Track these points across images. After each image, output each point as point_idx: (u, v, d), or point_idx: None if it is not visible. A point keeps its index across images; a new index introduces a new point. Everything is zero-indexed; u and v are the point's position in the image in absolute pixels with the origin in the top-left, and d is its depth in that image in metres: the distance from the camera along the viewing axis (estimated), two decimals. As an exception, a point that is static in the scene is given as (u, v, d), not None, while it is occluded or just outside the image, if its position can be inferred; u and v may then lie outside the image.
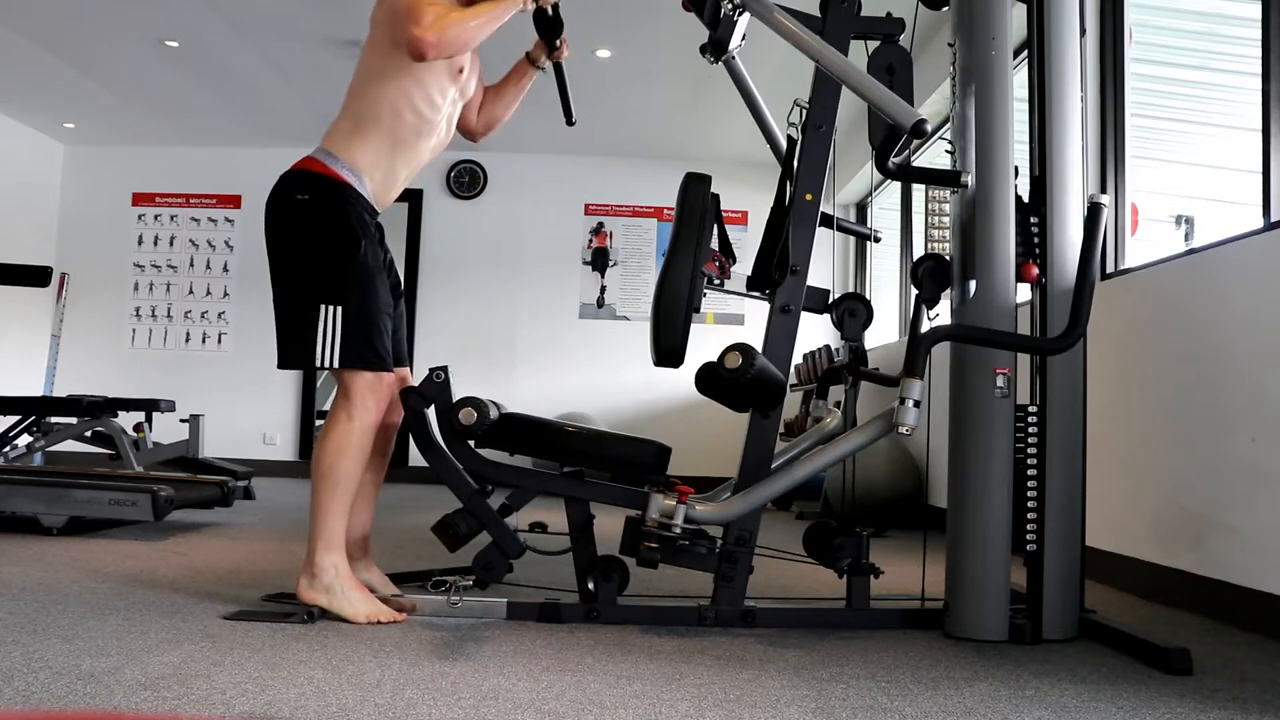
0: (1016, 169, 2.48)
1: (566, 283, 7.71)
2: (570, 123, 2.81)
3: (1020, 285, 2.45)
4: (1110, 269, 3.50)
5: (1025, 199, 2.49)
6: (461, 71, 2.58)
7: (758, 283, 2.63)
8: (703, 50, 2.62)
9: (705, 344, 3.01)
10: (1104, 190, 3.51)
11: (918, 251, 6.00)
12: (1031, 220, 2.46)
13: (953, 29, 2.57)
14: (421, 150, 2.59)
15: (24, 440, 5.29)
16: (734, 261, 2.67)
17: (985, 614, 2.37)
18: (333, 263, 2.42)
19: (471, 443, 2.51)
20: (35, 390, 7.45)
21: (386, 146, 2.51)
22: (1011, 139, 2.46)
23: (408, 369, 2.68)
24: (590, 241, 7.73)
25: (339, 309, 2.39)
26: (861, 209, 7.55)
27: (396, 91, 2.47)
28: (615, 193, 7.74)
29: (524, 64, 2.77)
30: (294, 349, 2.46)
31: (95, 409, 5.18)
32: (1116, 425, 3.20)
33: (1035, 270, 2.44)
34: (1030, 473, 2.41)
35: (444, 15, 2.37)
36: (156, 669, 1.84)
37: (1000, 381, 2.40)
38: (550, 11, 2.59)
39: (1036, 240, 2.45)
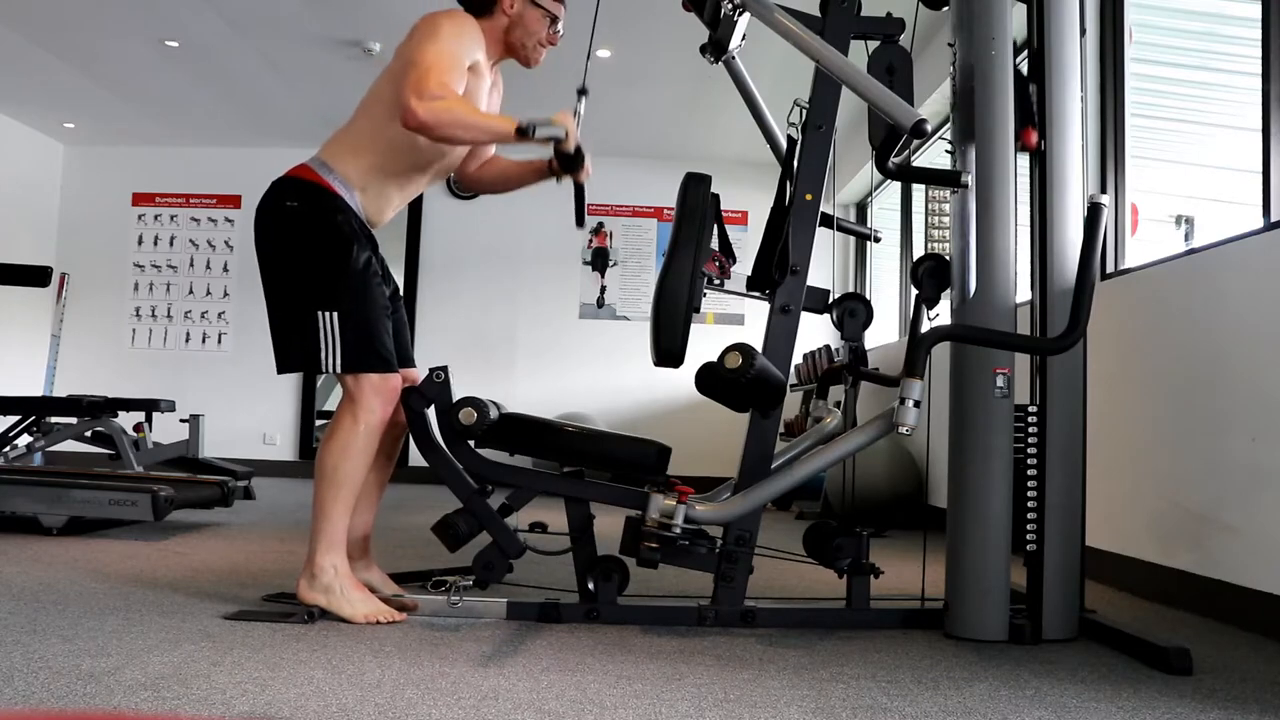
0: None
1: (566, 283, 7.71)
2: (579, 225, 2.69)
3: (1020, 286, 2.45)
4: (1110, 269, 3.50)
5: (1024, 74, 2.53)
6: None
7: (758, 283, 2.63)
8: (703, 50, 2.62)
9: (705, 344, 3.01)
10: (1104, 190, 3.51)
11: (918, 251, 6.00)
12: (1030, 88, 2.48)
13: (953, 29, 2.57)
14: (418, 181, 2.60)
15: (24, 440, 5.29)
16: (734, 261, 2.67)
17: (985, 614, 2.37)
18: (325, 269, 2.42)
19: (471, 443, 2.52)
20: (35, 390, 7.45)
21: (380, 172, 2.50)
22: (1011, 139, 2.46)
23: (415, 370, 2.68)
24: (590, 241, 7.73)
25: (335, 314, 2.39)
26: (861, 209, 7.55)
27: (400, 131, 2.41)
28: (615, 193, 7.74)
29: (542, 169, 2.67)
30: (291, 353, 2.46)
31: (95, 409, 5.18)
32: (1116, 425, 3.20)
33: (1035, 136, 2.46)
34: (1030, 473, 2.41)
35: (447, 99, 2.31)
36: (156, 669, 1.84)
37: (1000, 381, 2.40)
38: (574, 150, 2.49)
39: (1035, 109, 2.48)
